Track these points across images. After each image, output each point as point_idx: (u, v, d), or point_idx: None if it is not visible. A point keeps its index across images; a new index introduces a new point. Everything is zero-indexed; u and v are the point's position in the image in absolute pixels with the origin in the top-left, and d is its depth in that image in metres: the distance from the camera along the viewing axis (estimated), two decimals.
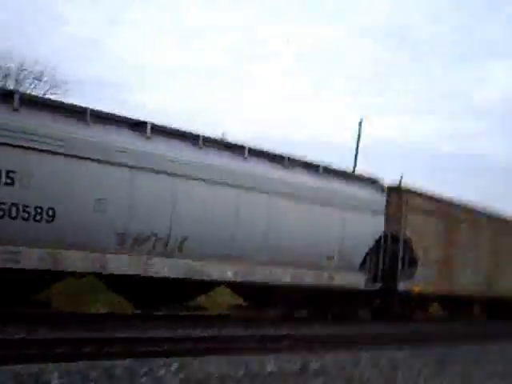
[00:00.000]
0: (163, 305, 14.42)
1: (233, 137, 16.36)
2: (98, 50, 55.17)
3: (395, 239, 18.22)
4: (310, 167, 16.35)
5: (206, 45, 71.55)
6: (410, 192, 19.19)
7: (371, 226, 17.45)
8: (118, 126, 12.25)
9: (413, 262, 18.54)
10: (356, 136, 34.47)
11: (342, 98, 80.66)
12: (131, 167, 11.98)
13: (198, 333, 12.54)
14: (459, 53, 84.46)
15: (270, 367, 9.15)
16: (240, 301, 16.83)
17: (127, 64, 63.26)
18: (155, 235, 12.23)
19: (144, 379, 7.60)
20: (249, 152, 14.62)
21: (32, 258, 10.51)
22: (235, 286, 15.36)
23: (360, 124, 34.80)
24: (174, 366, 8.36)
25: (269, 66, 75.52)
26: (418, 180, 35.41)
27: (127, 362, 8.24)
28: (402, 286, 18.07)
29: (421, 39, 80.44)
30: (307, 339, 12.93)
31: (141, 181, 12.13)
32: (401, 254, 18.21)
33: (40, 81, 26.87)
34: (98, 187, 11.48)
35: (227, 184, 13.68)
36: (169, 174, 12.53)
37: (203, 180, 13.23)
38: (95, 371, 7.40)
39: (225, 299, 17.54)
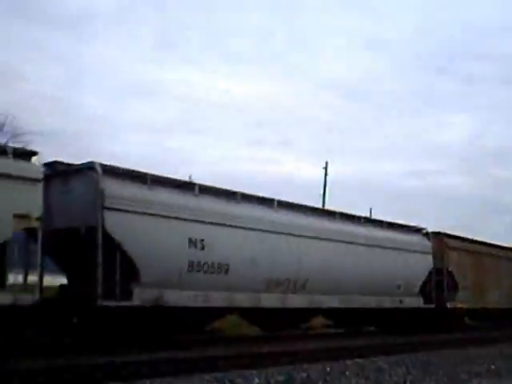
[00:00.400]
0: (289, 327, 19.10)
1: (200, 179, 17.64)
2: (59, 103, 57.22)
3: (441, 271, 24.24)
4: (378, 223, 22.26)
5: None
6: (448, 235, 25.37)
7: (424, 263, 23.34)
8: (266, 205, 17.43)
9: (455, 287, 24.78)
10: (323, 176, 40.80)
11: (308, 142, 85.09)
12: (272, 232, 16.86)
13: None
14: (420, 104, 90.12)
15: None
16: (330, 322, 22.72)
17: (89, 115, 66.25)
18: (288, 279, 17.13)
19: None
20: (332, 214, 20.15)
21: (216, 299, 15.00)
22: (335, 312, 19.99)
23: (326, 166, 41.16)
24: None
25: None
26: (386, 212, 41.18)
27: None
28: (448, 304, 24.11)
29: (383, 90, 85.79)
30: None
31: (277, 242, 17.05)
32: (446, 282, 24.26)
33: (1, 131, 27.39)
34: (251, 248, 16.14)
35: (338, 240, 19.15)
36: (295, 236, 17.60)
37: (318, 238, 18.41)
38: None
39: (319, 321, 22.88)
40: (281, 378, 9.79)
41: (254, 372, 10.16)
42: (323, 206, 36.31)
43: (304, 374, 10.24)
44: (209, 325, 17.02)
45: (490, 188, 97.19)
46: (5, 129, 27.14)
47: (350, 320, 21.27)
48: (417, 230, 24.12)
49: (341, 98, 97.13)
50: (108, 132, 74.51)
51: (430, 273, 23.51)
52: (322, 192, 40.00)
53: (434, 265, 23.62)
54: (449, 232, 25.56)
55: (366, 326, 23.12)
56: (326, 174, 39.67)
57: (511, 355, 15.41)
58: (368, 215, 29.26)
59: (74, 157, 13.29)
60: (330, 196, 41.07)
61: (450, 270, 24.55)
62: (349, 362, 12.05)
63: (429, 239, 24.22)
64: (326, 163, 40.13)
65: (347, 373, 10.81)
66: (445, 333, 22.62)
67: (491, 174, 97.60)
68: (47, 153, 13.12)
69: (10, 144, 14.44)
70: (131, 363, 11.00)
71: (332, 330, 22.74)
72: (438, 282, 24.00)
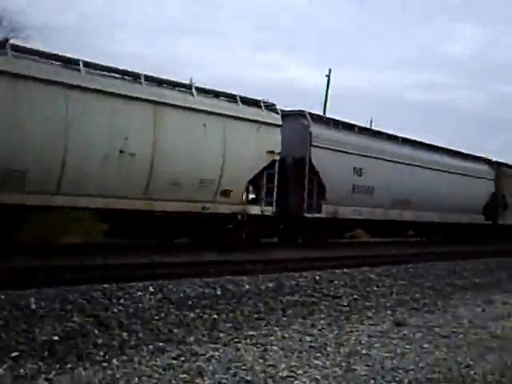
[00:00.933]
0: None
1: (204, 83, 17.08)
2: None
3: (497, 195, 29.52)
4: (459, 154, 27.26)
5: None
6: (504, 164, 31.00)
7: (487, 187, 28.97)
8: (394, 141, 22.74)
9: (505, 208, 30.09)
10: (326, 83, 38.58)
11: (315, 48, 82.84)
12: (399, 163, 22.06)
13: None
14: (429, 13, 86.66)
15: None
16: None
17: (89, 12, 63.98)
18: (406, 199, 22.38)
19: (122, 301, 7.86)
20: (431, 148, 25.17)
21: (365, 213, 20.30)
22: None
23: (329, 73, 38.72)
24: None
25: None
26: (387, 124, 41.36)
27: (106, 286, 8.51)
28: (501, 220, 29.72)
29: None
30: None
31: (402, 171, 22.18)
32: (501, 203, 29.71)
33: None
34: (388, 176, 21.05)
35: (432, 169, 23.90)
36: (413, 166, 22.80)
37: (424, 167, 23.36)
38: (72, 295, 7.59)
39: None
40: (271, 285, 9.99)
41: (245, 278, 10.34)
42: (324, 113, 35.92)
43: (293, 282, 10.44)
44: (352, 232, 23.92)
45: (497, 104, 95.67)
46: (3, 23, 26.42)
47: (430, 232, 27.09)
48: (486, 160, 29.72)
49: (353, 4, 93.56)
50: (104, 30, 72.06)
51: (491, 195, 29.30)
52: (324, 100, 39.26)
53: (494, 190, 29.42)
54: (505, 162, 31.16)
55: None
56: (328, 82, 38.80)
57: (496, 270, 15.75)
58: (368, 125, 29.72)
59: (73, 52, 12.91)
60: (333, 105, 40.50)
61: (503, 193, 30.19)
62: (337, 271, 12.27)
63: (493, 168, 29.92)
64: (329, 70, 38.98)
65: (335, 282, 11.04)
66: (496, 243, 26.68)
67: (497, 89, 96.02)
68: (47, 48, 12.64)
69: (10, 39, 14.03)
70: (124, 266, 11.24)
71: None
72: (496, 203, 29.66)
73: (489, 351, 6.59)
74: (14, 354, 5.41)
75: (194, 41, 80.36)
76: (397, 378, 5.39)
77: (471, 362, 6.05)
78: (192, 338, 6.53)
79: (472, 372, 5.71)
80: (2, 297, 7.02)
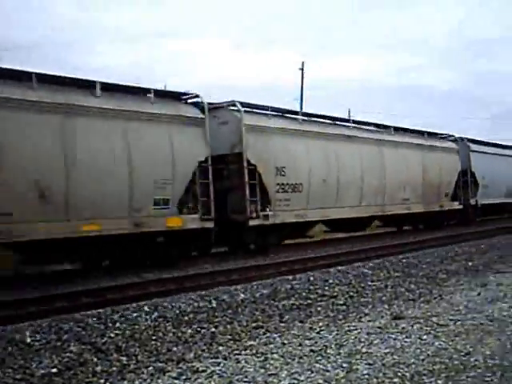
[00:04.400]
0: None
1: (177, 88, 16.54)
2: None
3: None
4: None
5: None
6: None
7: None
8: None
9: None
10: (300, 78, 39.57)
11: (286, 44, 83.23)
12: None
13: None
14: None
15: None
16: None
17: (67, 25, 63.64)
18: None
19: (118, 324, 7.82)
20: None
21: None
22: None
23: (302, 67, 39.25)
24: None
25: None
26: (367, 113, 42.08)
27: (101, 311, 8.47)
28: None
29: None
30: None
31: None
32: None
33: None
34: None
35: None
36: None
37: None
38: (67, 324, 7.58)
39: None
40: (266, 292, 9.98)
41: (239, 287, 10.33)
42: (301, 107, 36.09)
43: (288, 286, 10.44)
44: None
45: (473, 83, 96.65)
46: None
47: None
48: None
49: None
50: (83, 42, 71.61)
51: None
52: (300, 94, 39.41)
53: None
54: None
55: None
56: (302, 76, 38.94)
57: (487, 251, 15.85)
58: (346, 116, 30.40)
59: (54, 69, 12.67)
60: (312, 98, 40.86)
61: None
62: (332, 270, 12.28)
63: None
64: (302, 64, 39.24)
65: (330, 281, 11.05)
66: (467, 226, 25.42)
67: (473, 68, 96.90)
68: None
69: None
70: (117, 287, 11.19)
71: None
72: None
73: (487, 335, 6.60)
74: None
75: (173, 46, 79.93)
76: (399, 374, 5.38)
77: (471, 349, 6.06)
78: (192, 355, 6.50)
79: (473, 359, 5.72)
80: None
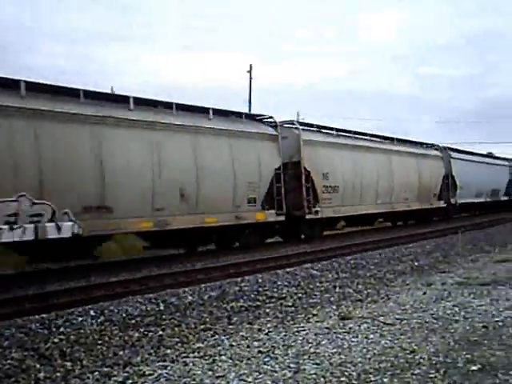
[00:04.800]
0: None
1: (129, 91, 17.33)
2: None
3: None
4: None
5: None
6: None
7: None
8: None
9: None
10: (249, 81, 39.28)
11: (235, 47, 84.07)
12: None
13: None
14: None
15: None
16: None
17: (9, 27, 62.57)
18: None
19: (62, 329, 7.63)
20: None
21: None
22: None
23: (250, 70, 39.03)
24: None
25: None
26: (313, 115, 43.55)
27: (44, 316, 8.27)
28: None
29: None
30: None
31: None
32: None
33: None
34: None
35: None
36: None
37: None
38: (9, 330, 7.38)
39: None
40: (214, 294, 9.93)
41: (187, 290, 10.25)
42: (249, 109, 36.33)
43: (236, 288, 10.41)
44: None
45: (418, 86, 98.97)
46: None
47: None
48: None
49: None
50: (26, 43, 70.19)
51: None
52: (248, 96, 39.51)
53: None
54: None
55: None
56: (250, 78, 39.06)
57: (432, 252, 16.17)
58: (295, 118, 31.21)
59: None
60: (261, 100, 41.29)
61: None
62: (280, 272, 12.31)
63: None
64: (250, 67, 39.31)
65: (279, 282, 11.07)
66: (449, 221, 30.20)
67: (420, 72, 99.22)
68: None
69: None
70: (63, 291, 10.94)
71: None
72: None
73: (432, 334, 6.73)
74: None
75: (122, 48, 79.42)
76: (345, 373, 5.42)
77: (416, 347, 6.16)
78: (139, 359, 6.40)
79: (417, 356, 5.82)
80: None
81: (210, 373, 5.68)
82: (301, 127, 21.54)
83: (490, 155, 44.74)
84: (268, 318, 8.23)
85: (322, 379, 5.30)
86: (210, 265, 14.59)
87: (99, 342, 7.12)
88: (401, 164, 27.50)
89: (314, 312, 8.51)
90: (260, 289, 10.44)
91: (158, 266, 14.64)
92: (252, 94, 39.01)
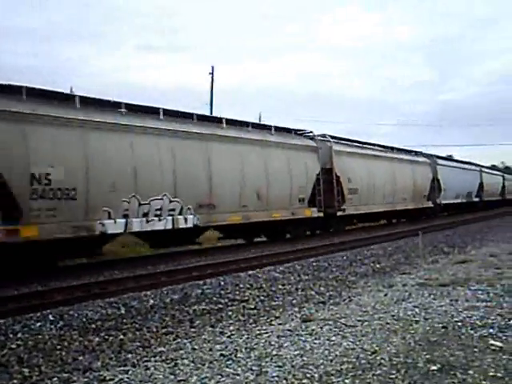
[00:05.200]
0: None
1: (86, 91, 17.57)
2: None
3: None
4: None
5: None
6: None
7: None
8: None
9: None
10: (219, 82, 44.65)
11: (197, 49, 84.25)
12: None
13: None
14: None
15: None
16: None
17: None
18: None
19: (20, 335, 7.46)
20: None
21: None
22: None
23: (212, 71, 39.27)
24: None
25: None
26: (276, 117, 45.29)
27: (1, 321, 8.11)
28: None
29: None
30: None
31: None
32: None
33: None
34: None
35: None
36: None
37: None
38: None
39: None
40: (176, 297, 9.85)
41: (149, 293, 10.15)
42: (211, 111, 36.49)
43: (199, 291, 10.35)
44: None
45: (379, 89, 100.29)
46: None
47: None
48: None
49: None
50: None
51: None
52: (212, 97, 39.51)
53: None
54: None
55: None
56: (212, 80, 39.03)
57: (393, 253, 16.36)
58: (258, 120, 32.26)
59: None
60: (223, 101, 41.63)
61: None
62: (242, 274, 12.29)
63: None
64: (212, 68, 39.31)
65: (241, 285, 11.05)
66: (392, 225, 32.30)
67: (378, 75, 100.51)
68: None
69: None
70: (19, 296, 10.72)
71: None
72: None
73: (393, 335, 6.79)
74: None
75: (78, 47, 78.59)
76: (307, 375, 5.43)
77: (377, 348, 6.21)
78: (99, 364, 6.29)
79: (379, 357, 5.86)
80: None
81: (172, 377, 5.63)
82: (332, 140, 26.52)
83: (465, 161, 50.39)
84: (230, 321, 8.20)
85: (284, 381, 5.30)
86: (173, 268, 14.48)
87: (58, 347, 6.98)
88: (401, 170, 32.79)
89: (277, 314, 8.50)
90: (222, 291, 10.41)
91: (120, 269, 14.48)
92: (214, 94, 39.14)
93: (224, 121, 19.96)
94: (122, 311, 8.90)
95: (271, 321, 8.05)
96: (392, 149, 34.06)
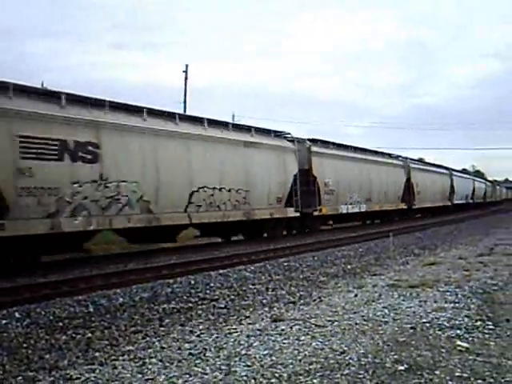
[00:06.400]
0: None
1: (56, 86, 17.40)
2: None
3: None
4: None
5: None
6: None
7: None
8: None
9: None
10: (192, 81, 44.48)
11: (171, 47, 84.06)
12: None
13: None
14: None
15: None
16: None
17: None
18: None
19: None
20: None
21: None
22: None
23: (186, 69, 39.48)
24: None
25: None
26: (253, 117, 46.02)
27: None
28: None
29: None
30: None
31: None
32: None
33: None
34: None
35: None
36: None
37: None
38: None
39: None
40: (145, 295, 9.78)
41: (118, 291, 10.06)
42: (184, 109, 36.50)
43: (168, 290, 10.29)
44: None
45: (352, 92, 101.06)
46: None
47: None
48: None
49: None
50: None
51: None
52: (185, 96, 39.42)
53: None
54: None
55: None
56: (186, 78, 38.87)
57: (364, 255, 16.46)
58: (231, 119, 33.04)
59: None
60: (198, 101, 41.80)
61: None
62: (213, 273, 12.24)
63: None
64: (186, 66, 39.23)
65: (211, 284, 11.01)
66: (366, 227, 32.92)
67: (351, 76, 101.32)
68: None
69: None
70: None
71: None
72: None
73: (362, 335, 6.81)
74: None
75: (50, 43, 77.77)
76: (276, 374, 5.41)
77: (346, 348, 6.22)
78: (65, 362, 6.20)
79: (347, 357, 5.87)
80: None
81: (140, 376, 5.56)
82: (310, 143, 27.34)
83: (436, 165, 51.97)
84: (200, 320, 8.15)
85: (253, 381, 5.28)
86: (142, 266, 14.38)
87: (24, 345, 6.87)
88: (377, 171, 33.94)
89: (247, 314, 8.48)
90: (192, 290, 10.36)
91: (89, 266, 14.33)
92: (188, 93, 39.06)
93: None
94: (91, 309, 8.81)
95: (241, 320, 8.03)
96: (368, 151, 35.06)
